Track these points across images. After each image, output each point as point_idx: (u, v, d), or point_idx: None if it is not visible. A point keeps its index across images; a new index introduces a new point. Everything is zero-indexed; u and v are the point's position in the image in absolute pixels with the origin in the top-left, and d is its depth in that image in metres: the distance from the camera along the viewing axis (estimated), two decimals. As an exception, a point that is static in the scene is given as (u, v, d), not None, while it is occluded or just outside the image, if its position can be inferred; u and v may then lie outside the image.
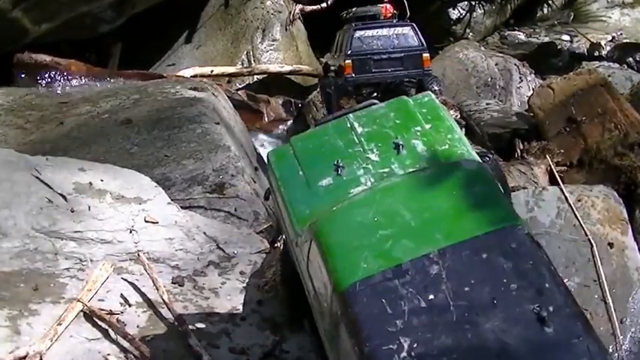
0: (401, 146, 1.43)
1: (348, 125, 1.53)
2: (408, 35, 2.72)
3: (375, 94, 2.76)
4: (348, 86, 2.73)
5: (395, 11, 2.87)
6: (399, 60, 2.68)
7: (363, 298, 1.16)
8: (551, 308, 1.08)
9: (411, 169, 1.38)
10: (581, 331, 1.06)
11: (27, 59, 3.74)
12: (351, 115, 1.57)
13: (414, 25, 2.77)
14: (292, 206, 1.42)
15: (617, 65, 4.34)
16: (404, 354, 1.08)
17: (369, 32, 2.71)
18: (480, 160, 1.39)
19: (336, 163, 1.42)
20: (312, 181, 1.43)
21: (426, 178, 1.33)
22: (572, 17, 5.33)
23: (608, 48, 4.86)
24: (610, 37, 5.04)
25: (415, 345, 1.08)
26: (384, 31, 2.71)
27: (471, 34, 5.37)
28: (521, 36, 5.52)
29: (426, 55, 2.74)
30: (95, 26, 4.09)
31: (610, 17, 5.18)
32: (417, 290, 1.14)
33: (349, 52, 2.67)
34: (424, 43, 2.73)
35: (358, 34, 2.70)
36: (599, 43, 4.92)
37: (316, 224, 1.30)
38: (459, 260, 1.16)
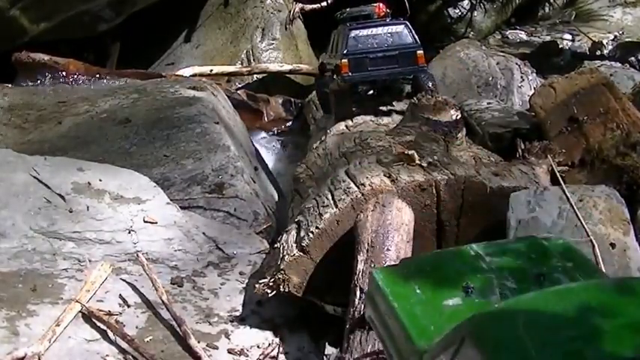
0: (543, 277, 1.33)
1: (473, 253, 1.45)
2: (402, 33, 2.67)
3: (372, 91, 2.78)
4: (346, 85, 2.70)
5: (388, 10, 2.82)
6: (394, 58, 2.63)
7: None
8: None
9: None
10: None
11: (25, 58, 3.73)
12: (474, 245, 1.49)
13: (408, 23, 2.73)
14: (411, 323, 1.30)
15: (619, 64, 4.32)
16: None
17: (364, 31, 2.67)
18: None
19: (465, 285, 1.33)
20: (435, 300, 1.33)
21: (611, 289, 1.19)
22: (573, 16, 5.31)
23: (610, 47, 4.84)
24: (612, 36, 5.02)
25: None
26: (379, 30, 2.65)
27: (471, 33, 5.36)
28: (523, 35, 5.50)
29: (420, 52, 2.64)
30: (94, 25, 4.07)
31: (612, 16, 5.15)
32: None
33: (345, 51, 2.62)
34: (418, 40, 2.66)
35: (353, 33, 2.66)
36: (601, 42, 4.90)
37: (473, 323, 1.13)
38: None
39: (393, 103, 2.79)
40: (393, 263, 1.72)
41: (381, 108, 2.76)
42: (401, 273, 1.47)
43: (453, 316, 1.30)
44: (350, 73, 2.65)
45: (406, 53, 2.66)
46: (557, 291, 1.22)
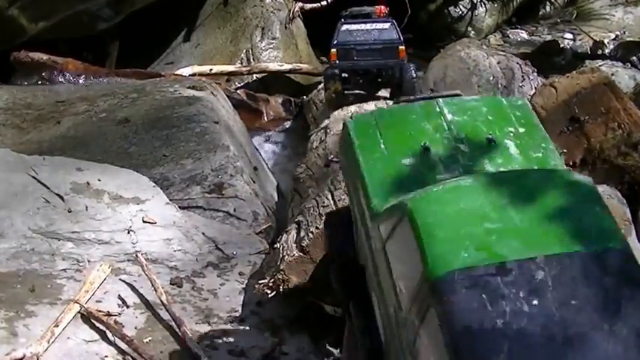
0: (493, 142, 1.38)
1: (437, 110, 1.48)
2: (388, 30, 3.04)
3: (359, 78, 3.09)
4: (334, 73, 3.09)
5: (387, 12, 3.18)
6: (379, 51, 3.01)
7: (461, 289, 1.09)
8: None
9: (502, 169, 1.32)
10: None
11: (24, 58, 3.70)
12: (440, 100, 1.51)
13: (394, 22, 3.10)
14: (372, 180, 1.35)
15: (620, 64, 4.30)
16: (503, 355, 1.01)
17: (355, 26, 3.05)
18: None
19: (423, 144, 1.37)
20: (396, 157, 1.37)
21: (535, 179, 1.26)
22: (574, 15, 5.28)
23: (612, 46, 4.82)
24: (613, 36, 4.99)
25: (515, 348, 1.01)
26: (368, 26, 3.04)
27: (472, 32, 5.33)
28: (524, 34, 5.47)
29: (401, 47, 3.06)
30: (92, 24, 4.04)
31: (613, 15, 5.13)
32: (521, 293, 1.07)
33: (335, 42, 3.04)
34: (401, 37, 3.06)
35: (345, 27, 3.05)
36: (603, 41, 4.87)
37: (410, 203, 1.22)
38: (566, 271, 1.10)
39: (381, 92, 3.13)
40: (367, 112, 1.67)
41: (364, 93, 3.08)
42: (371, 124, 1.48)
43: (408, 176, 1.33)
44: (337, 61, 3.03)
45: (389, 47, 3.01)
46: (489, 180, 1.26)
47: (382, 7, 3.10)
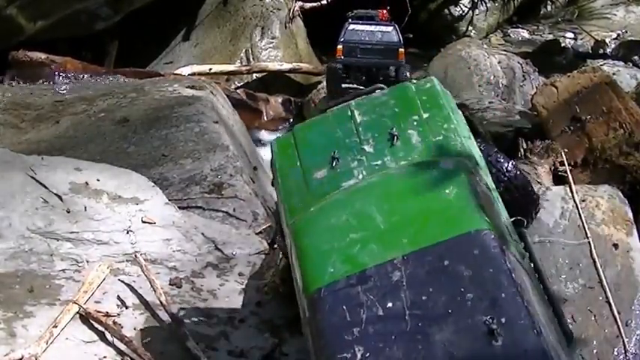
0: (396, 137, 1.37)
1: (349, 113, 1.48)
2: (390, 33, 3.52)
3: (360, 74, 3.52)
4: (338, 67, 3.54)
5: (389, 16, 3.66)
6: (380, 51, 3.49)
7: (326, 305, 1.13)
8: (503, 320, 1.02)
9: (403, 162, 1.32)
10: (530, 345, 0.99)
11: (22, 57, 3.69)
12: (353, 102, 1.51)
13: (397, 26, 3.58)
14: (286, 199, 1.38)
15: (622, 63, 4.30)
16: None
17: (361, 27, 3.51)
18: (472, 153, 1.31)
19: (332, 154, 1.38)
20: (308, 173, 1.39)
21: (402, 177, 1.27)
22: (576, 14, 5.28)
23: (613, 46, 4.81)
24: (615, 35, 4.99)
25: (367, 355, 1.04)
26: (372, 28, 3.51)
27: (473, 31, 5.33)
28: (525, 34, 5.47)
29: (401, 49, 3.54)
30: (91, 24, 4.04)
31: (615, 15, 5.12)
32: (377, 297, 1.10)
33: (342, 39, 3.51)
34: (402, 40, 3.54)
35: (352, 27, 3.52)
36: (604, 40, 4.87)
37: (295, 223, 1.27)
38: (421, 267, 1.11)
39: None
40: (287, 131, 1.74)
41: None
42: (290, 142, 1.48)
43: (317, 190, 1.33)
44: (342, 57, 3.47)
45: (390, 49, 3.46)
46: (359, 189, 1.28)
47: (384, 11, 3.59)
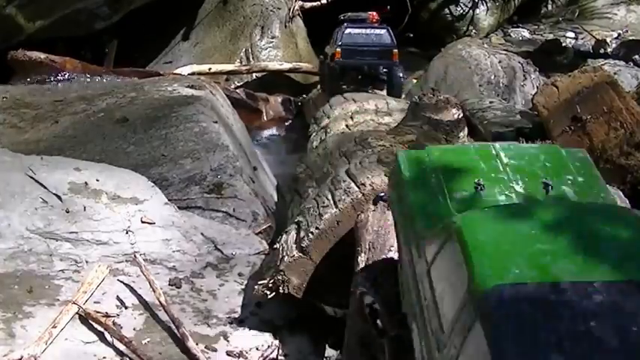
0: (550, 187, 1.37)
1: (494, 152, 1.52)
2: (384, 35, 3.77)
3: (357, 74, 3.80)
4: (337, 68, 3.79)
5: (379, 18, 3.89)
6: (376, 52, 3.74)
7: (511, 303, 1.06)
8: None
9: None
10: None
11: (21, 57, 3.68)
12: (497, 144, 1.56)
13: (389, 29, 3.82)
14: (420, 207, 1.38)
15: (622, 63, 4.29)
16: None
17: (357, 30, 3.77)
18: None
19: (476, 181, 1.39)
20: (447, 190, 1.40)
21: (591, 209, 1.27)
22: (577, 14, 5.26)
23: (614, 45, 4.80)
24: (616, 34, 4.97)
25: None
26: (367, 31, 3.77)
27: (473, 31, 5.32)
28: (525, 33, 5.46)
29: (395, 50, 3.79)
30: (90, 23, 4.04)
31: (616, 14, 5.11)
32: (575, 314, 1.04)
33: (340, 42, 3.75)
34: (395, 42, 3.79)
35: (348, 30, 3.78)
36: (605, 40, 4.85)
37: (458, 221, 1.24)
38: (626, 298, 1.06)
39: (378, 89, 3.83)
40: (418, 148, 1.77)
41: (363, 88, 3.79)
42: (423, 159, 1.54)
43: (459, 208, 1.36)
44: (341, 59, 3.73)
45: (385, 50, 3.72)
46: (545, 205, 1.29)
47: (374, 13, 3.85)
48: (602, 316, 1.07)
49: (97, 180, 2.36)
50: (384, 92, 3.72)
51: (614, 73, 3.40)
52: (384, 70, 3.69)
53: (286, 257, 2.01)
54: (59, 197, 2.25)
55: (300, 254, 2.00)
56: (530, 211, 1.26)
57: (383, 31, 3.72)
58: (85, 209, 2.23)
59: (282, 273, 1.98)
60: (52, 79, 3.70)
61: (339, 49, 3.67)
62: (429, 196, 1.42)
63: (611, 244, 1.19)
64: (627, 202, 2.10)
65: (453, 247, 1.23)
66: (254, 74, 4.58)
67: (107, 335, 1.83)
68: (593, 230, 1.21)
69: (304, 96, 4.34)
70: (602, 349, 1.02)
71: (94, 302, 1.94)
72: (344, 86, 3.74)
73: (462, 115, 2.55)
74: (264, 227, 2.58)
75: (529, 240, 1.19)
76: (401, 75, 3.74)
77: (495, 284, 1.11)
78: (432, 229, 1.32)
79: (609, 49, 4.76)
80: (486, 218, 1.26)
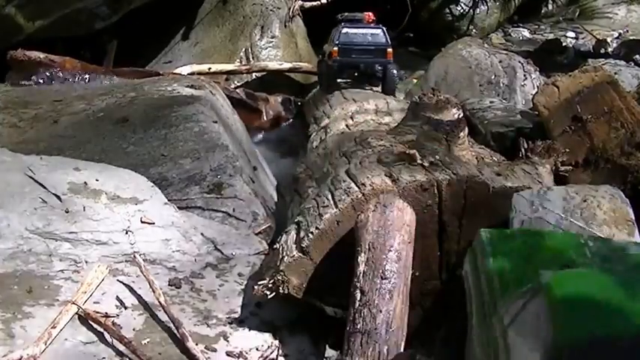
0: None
1: (582, 241, 1.50)
2: (379, 35, 3.89)
3: (353, 71, 3.93)
4: (334, 66, 3.91)
5: (374, 18, 4.01)
6: (371, 51, 3.87)
7: (601, 357, 1.03)
8: None
9: None
10: None
11: (20, 57, 3.67)
12: (587, 234, 1.55)
13: (384, 29, 3.94)
14: (501, 284, 1.34)
15: (623, 62, 4.28)
16: None
17: (353, 30, 3.91)
18: None
19: (565, 264, 1.36)
20: (531, 269, 1.34)
21: None
22: (577, 14, 5.26)
23: (615, 45, 4.79)
24: (616, 34, 4.97)
25: None
26: (363, 31, 3.91)
27: (474, 30, 5.31)
28: (526, 33, 5.45)
29: (389, 50, 3.93)
30: (90, 23, 4.03)
31: (616, 14, 5.10)
32: None
33: (337, 42, 3.87)
34: (389, 41, 3.92)
35: (345, 30, 3.91)
36: (606, 39, 4.84)
37: (548, 278, 1.20)
38: None
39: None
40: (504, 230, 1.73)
41: (360, 85, 3.97)
42: (508, 239, 1.51)
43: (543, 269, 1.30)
44: (338, 57, 3.85)
45: (380, 49, 3.86)
46: (629, 266, 1.25)
47: (370, 13, 3.98)
48: None
49: (97, 180, 2.35)
50: (379, 89, 3.82)
51: (615, 73, 3.39)
52: (380, 67, 3.82)
53: (286, 257, 2.00)
54: (59, 197, 2.24)
55: (300, 254, 1.99)
56: (617, 270, 1.23)
57: (378, 31, 3.84)
58: (84, 209, 2.22)
59: (282, 273, 1.97)
60: (51, 78, 3.69)
61: (336, 48, 3.79)
62: (512, 277, 1.35)
63: None
64: (628, 202, 2.10)
65: (538, 302, 1.17)
66: (254, 74, 4.57)
67: (107, 335, 1.83)
68: None
69: (307, 96, 4.36)
70: None
71: (94, 302, 1.93)
72: (342, 83, 3.88)
73: (462, 115, 2.54)
74: (264, 227, 2.57)
75: (620, 294, 1.13)
76: (395, 72, 3.89)
77: (585, 336, 1.06)
78: (516, 291, 1.27)
79: (610, 49, 4.75)
80: (576, 275, 1.22)
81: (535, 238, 1.54)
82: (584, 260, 1.41)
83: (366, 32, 3.80)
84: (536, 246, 1.47)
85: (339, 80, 3.83)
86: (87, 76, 3.73)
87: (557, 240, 1.52)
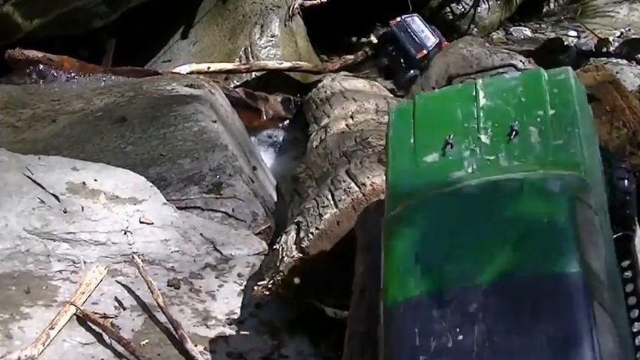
0: (514, 132, 1.21)
1: (473, 93, 1.33)
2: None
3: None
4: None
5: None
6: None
7: (398, 321, 1.04)
8: None
9: (516, 163, 1.18)
10: None
11: (18, 55, 3.64)
12: (480, 81, 1.37)
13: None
14: (392, 177, 1.30)
15: (625, 62, 4.26)
16: None
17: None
18: (589, 167, 1.16)
19: (447, 138, 1.24)
20: (419, 152, 1.27)
21: (505, 192, 1.15)
22: (579, 12, 5.22)
23: (617, 44, 4.76)
24: (618, 33, 4.94)
25: None
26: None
27: (475, 29, 5.28)
28: (527, 32, 5.42)
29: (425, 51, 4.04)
30: (88, 22, 3.99)
31: (618, 12, 5.07)
32: (450, 327, 1.00)
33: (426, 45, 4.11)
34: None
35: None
36: (607, 38, 4.81)
37: (389, 218, 1.19)
38: (501, 301, 1.00)
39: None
40: (409, 100, 1.61)
41: None
42: (409, 112, 1.36)
43: (424, 177, 1.23)
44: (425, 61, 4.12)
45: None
46: (459, 194, 1.16)
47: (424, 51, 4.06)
48: (470, 326, 1.00)
49: (95, 180, 2.35)
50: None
51: (617, 73, 3.37)
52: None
53: (286, 258, 1.99)
54: (57, 197, 2.24)
55: (300, 255, 1.98)
56: (444, 202, 1.16)
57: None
58: (82, 209, 2.22)
59: (281, 274, 1.97)
60: (49, 78, 3.67)
61: (425, 51, 3.99)
62: (401, 165, 1.28)
63: (507, 234, 1.08)
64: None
65: (383, 246, 1.18)
66: (253, 73, 4.53)
67: (105, 336, 1.82)
68: (496, 222, 1.09)
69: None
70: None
71: (92, 303, 1.93)
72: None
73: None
74: (264, 227, 2.57)
75: (432, 243, 1.12)
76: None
77: (392, 299, 1.07)
78: (389, 213, 1.24)
79: (612, 48, 4.73)
80: (408, 218, 1.18)
81: (429, 104, 1.36)
82: (468, 124, 1.28)
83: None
84: (430, 119, 1.31)
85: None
86: (85, 75, 3.70)
87: (451, 100, 1.33)
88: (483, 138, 1.24)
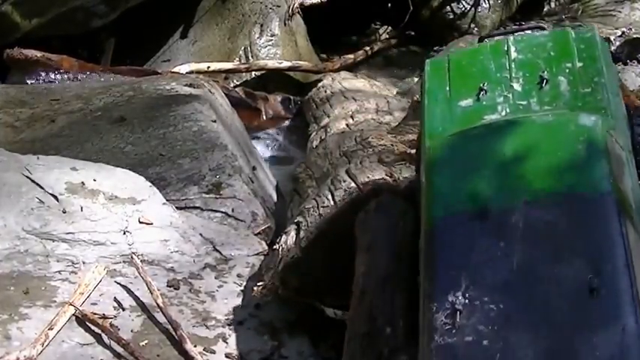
0: (545, 81, 1.36)
1: (505, 48, 1.48)
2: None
3: None
4: None
5: None
6: None
7: (440, 238, 1.14)
8: (603, 284, 1.01)
9: (547, 107, 1.32)
10: (622, 311, 0.99)
11: (17, 55, 3.63)
12: (511, 38, 1.53)
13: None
14: (429, 121, 1.42)
15: (626, 61, 4.25)
16: (458, 303, 1.05)
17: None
18: (615, 112, 1.26)
19: (481, 85, 1.36)
20: (454, 99, 1.39)
21: (541, 125, 1.26)
22: (580, 12, 5.21)
23: (618, 43, 4.75)
24: (619, 33, 4.92)
25: (467, 298, 1.05)
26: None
27: (475, 29, 5.27)
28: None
29: None
30: (87, 21, 3.99)
31: (619, 12, 5.05)
32: (490, 240, 1.09)
33: None
34: None
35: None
36: (608, 38, 4.78)
37: (430, 148, 1.29)
38: (538, 217, 1.09)
39: None
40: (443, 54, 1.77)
41: None
42: (445, 65, 1.50)
43: (460, 118, 1.36)
44: None
45: None
46: (499, 126, 1.29)
47: None
48: (510, 240, 1.09)
49: (94, 180, 2.34)
50: None
51: (618, 72, 3.36)
52: None
53: (286, 258, 1.98)
54: (56, 197, 2.22)
55: (300, 255, 1.97)
56: (486, 134, 1.27)
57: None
58: (81, 209, 2.21)
59: (281, 274, 1.96)
60: (48, 77, 3.66)
61: None
62: (437, 109, 1.40)
63: (544, 160, 1.19)
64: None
65: (424, 174, 1.29)
66: (253, 73, 4.53)
67: (104, 337, 1.82)
68: (534, 150, 1.19)
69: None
70: (501, 273, 1.07)
71: (91, 304, 1.92)
72: None
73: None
74: (264, 228, 2.56)
75: (473, 167, 1.22)
76: None
77: (434, 218, 1.17)
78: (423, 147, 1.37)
79: (613, 48, 4.71)
80: (449, 147, 1.29)
81: (462, 58, 1.49)
82: (501, 74, 1.38)
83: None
84: (463, 70, 1.43)
85: None
86: (84, 74, 3.69)
87: (483, 54, 1.48)
88: (516, 86, 1.38)
